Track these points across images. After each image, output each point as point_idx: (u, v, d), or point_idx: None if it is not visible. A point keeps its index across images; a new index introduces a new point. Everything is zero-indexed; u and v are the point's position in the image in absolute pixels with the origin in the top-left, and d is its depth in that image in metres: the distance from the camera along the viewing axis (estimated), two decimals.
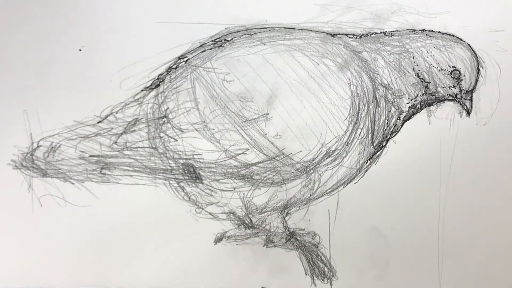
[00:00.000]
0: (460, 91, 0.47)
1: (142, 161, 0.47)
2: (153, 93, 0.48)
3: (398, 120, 0.47)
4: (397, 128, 0.47)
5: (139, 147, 0.47)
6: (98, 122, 0.48)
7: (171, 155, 0.47)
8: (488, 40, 0.47)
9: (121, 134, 0.47)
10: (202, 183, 0.48)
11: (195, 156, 0.47)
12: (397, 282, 0.47)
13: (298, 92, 0.47)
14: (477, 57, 0.47)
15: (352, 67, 0.47)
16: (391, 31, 0.47)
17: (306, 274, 0.48)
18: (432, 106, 0.47)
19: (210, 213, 0.48)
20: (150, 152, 0.47)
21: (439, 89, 0.47)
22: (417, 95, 0.47)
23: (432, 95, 0.47)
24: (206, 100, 0.46)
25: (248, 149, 0.47)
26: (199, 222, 0.48)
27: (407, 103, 0.47)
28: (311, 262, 0.48)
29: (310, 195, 0.47)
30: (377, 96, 0.47)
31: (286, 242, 0.48)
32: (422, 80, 0.47)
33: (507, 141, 0.47)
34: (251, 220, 0.48)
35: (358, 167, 0.47)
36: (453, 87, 0.47)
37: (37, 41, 0.49)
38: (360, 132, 0.47)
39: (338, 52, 0.47)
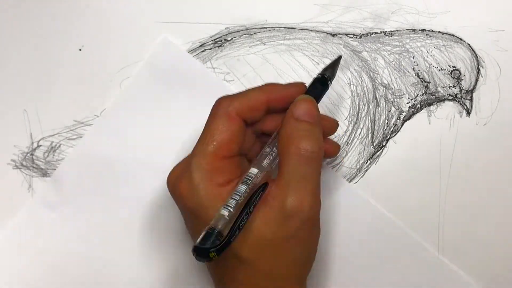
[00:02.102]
0: (460, 91, 0.47)
1: None
2: None
3: (398, 120, 0.47)
4: (397, 128, 0.47)
5: None
6: None
7: None
8: (488, 40, 0.47)
9: None
10: None
11: None
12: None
13: None
14: (477, 57, 0.47)
15: (352, 67, 0.47)
16: (391, 31, 0.47)
17: None
18: (432, 106, 0.47)
19: None
20: None
21: (439, 89, 0.47)
22: (417, 95, 0.47)
23: (432, 95, 0.47)
24: None
25: None
26: None
27: (407, 103, 0.47)
28: None
29: None
30: (377, 96, 0.47)
31: None
32: (422, 80, 0.47)
33: (507, 141, 0.47)
34: None
35: (358, 167, 0.47)
36: (453, 87, 0.47)
37: (37, 41, 0.49)
38: (360, 132, 0.47)
39: (338, 52, 0.47)
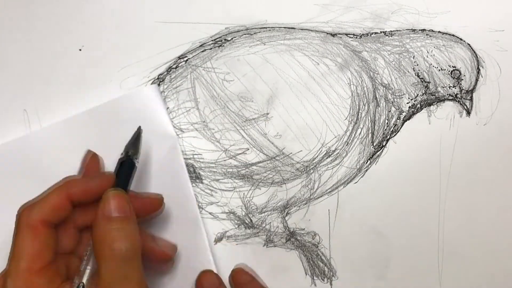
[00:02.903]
0: (460, 91, 0.47)
1: None
2: None
3: (398, 120, 0.47)
4: (397, 128, 0.47)
5: None
6: None
7: None
8: (488, 40, 0.47)
9: None
10: (202, 183, 0.48)
11: (195, 156, 0.47)
12: (397, 282, 0.47)
13: (298, 92, 0.47)
14: (477, 57, 0.47)
15: (352, 67, 0.47)
16: (391, 31, 0.47)
17: (306, 274, 0.48)
18: (432, 106, 0.47)
19: (210, 213, 0.48)
20: None
21: (439, 89, 0.47)
22: (417, 95, 0.47)
23: (432, 95, 0.47)
24: (206, 100, 0.46)
25: (248, 149, 0.47)
26: None
27: (407, 103, 0.47)
28: (311, 262, 0.47)
29: (310, 195, 0.47)
30: (377, 96, 0.47)
31: (286, 242, 0.48)
32: (422, 80, 0.47)
33: (507, 141, 0.47)
34: (251, 220, 0.48)
35: (358, 167, 0.47)
36: (453, 87, 0.47)
37: (37, 41, 0.49)
38: (360, 132, 0.47)
39: (338, 52, 0.47)
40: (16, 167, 0.45)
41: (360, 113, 0.47)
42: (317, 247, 0.47)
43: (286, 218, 0.48)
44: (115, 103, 0.46)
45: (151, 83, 0.48)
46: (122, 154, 0.41)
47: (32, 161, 0.45)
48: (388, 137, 0.47)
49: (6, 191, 0.44)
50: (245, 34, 0.47)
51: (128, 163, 0.40)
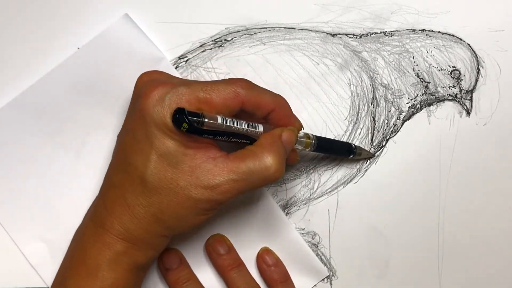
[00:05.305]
0: (460, 91, 0.47)
1: None
2: None
3: (398, 120, 0.47)
4: (397, 128, 0.47)
5: None
6: None
7: None
8: (488, 40, 0.47)
9: None
10: None
11: None
12: (397, 282, 0.47)
13: (298, 92, 0.47)
14: (477, 57, 0.47)
15: (352, 67, 0.47)
16: (391, 31, 0.47)
17: None
18: (432, 106, 0.47)
19: None
20: None
21: (439, 89, 0.47)
22: (417, 95, 0.47)
23: (432, 95, 0.47)
24: None
25: None
26: None
27: (407, 103, 0.47)
28: None
29: (310, 195, 0.47)
30: (377, 96, 0.47)
31: None
32: (422, 80, 0.47)
33: (507, 141, 0.47)
34: None
35: (358, 167, 0.47)
36: (453, 87, 0.47)
37: (35, 40, 0.48)
38: (360, 132, 0.47)
39: (338, 52, 0.47)
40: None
41: (360, 113, 0.47)
42: (317, 247, 0.47)
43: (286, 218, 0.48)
44: (97, 43, 0.47)
45: None
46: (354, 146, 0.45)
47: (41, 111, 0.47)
48: (388, 137, 0.47)
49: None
50: (245, 34, 0.47)
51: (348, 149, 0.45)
